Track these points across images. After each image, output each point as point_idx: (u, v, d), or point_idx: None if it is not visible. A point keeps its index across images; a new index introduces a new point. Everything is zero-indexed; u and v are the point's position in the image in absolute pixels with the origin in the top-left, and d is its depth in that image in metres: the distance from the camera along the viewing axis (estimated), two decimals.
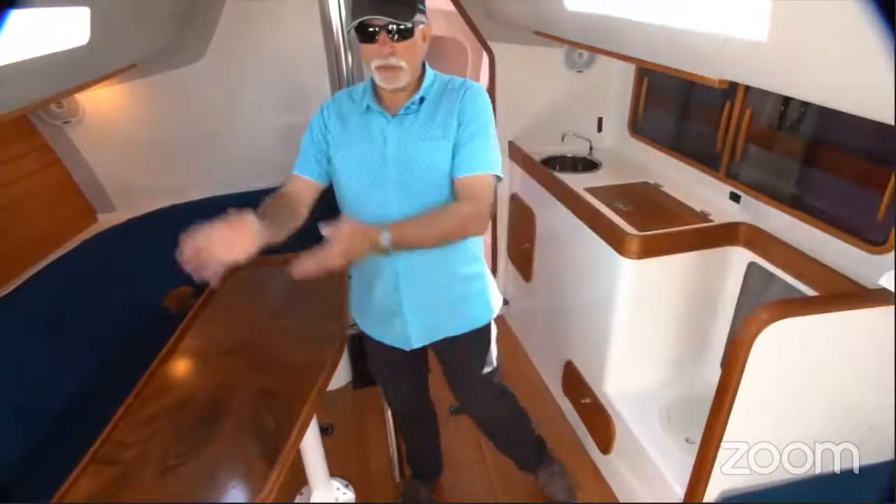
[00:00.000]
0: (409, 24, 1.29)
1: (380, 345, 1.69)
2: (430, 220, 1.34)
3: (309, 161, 1.50)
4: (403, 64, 1.32)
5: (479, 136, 1.38)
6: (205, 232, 1.09)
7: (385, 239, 1.22)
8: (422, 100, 1.41)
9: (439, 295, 1.56)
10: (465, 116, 1.38)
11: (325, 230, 1.14)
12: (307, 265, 1.14)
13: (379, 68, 1.32)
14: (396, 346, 1.65)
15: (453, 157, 1.39)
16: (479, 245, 1.61)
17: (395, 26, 1.27)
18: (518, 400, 1.91)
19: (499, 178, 1.42)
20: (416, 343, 1.63)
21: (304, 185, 1.50)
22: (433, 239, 1.36)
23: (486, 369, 1.72)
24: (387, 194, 1.43)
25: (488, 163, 1.38)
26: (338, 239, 1.15)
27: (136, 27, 1.92)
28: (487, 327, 1.68)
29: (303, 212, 1.46)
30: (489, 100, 1.43)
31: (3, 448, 1.61)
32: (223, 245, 1.09)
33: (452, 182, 1.40)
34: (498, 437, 1.99)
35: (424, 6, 1.35)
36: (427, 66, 1.45)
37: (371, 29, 1.28)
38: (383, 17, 1.26)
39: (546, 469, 2.09)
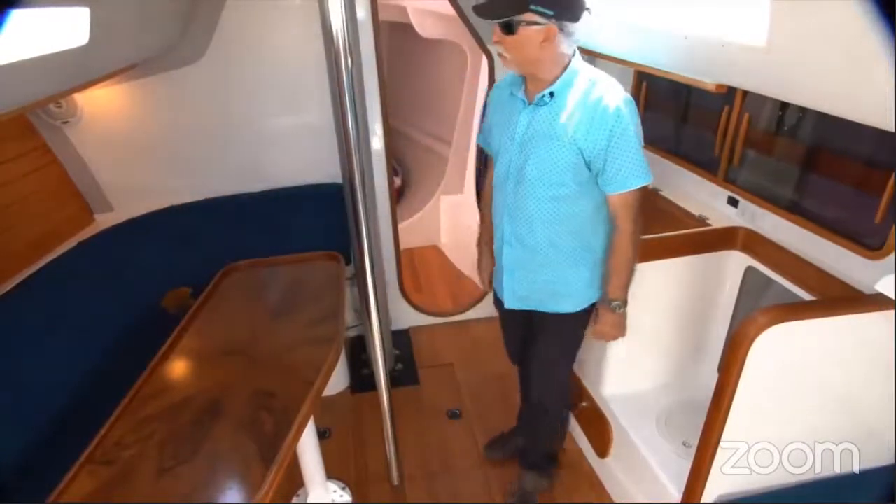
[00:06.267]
0: (505, 20, 1.35)
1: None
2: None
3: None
4: (507, 55, 1.42)
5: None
6: None
7: None
8: (551, 94, 1.46)
9: (536, 268, 1.64)
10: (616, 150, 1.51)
11: None
12: None
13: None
14: (502, 299, 1.76)
15: (605, 174, 1.52)
16: (599, 236, 1.63)
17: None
18: (568, 408, 2.07)
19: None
20: (509, 304, 1.73)
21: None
22: None
23: (554, 355, 1.81)
24: (508, 175, 1.56)
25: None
26: None
27: (136, 27, 1.92)
28: (575, 316, 1.70)
29: None
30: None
31: (2, 448, 1.61)
32: None
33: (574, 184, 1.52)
34: (531, 420, 2.06)
35: (552, 9, 1.32)
36: (573, 63, 1.46)
37: None
38: (481, 10, 1.39)
39: (537, 475, 2.10)
